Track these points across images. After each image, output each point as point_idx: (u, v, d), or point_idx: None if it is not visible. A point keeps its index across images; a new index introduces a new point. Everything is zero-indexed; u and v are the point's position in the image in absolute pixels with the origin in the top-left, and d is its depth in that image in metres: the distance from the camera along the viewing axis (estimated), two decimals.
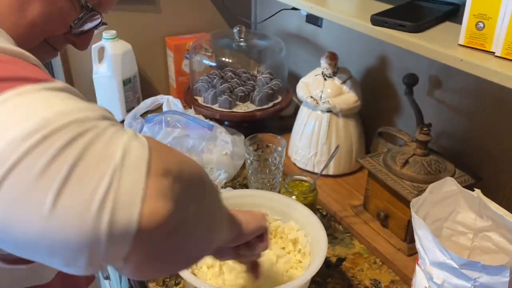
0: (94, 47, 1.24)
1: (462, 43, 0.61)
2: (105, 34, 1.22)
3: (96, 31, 0.54)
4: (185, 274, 0.62)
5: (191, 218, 0.33)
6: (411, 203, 0.60)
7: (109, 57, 1.23)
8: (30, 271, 0.48)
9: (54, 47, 0.51)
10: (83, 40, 0.52)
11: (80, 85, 1.32)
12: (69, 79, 1.31)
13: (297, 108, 1.16)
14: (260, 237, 0.56)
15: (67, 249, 0.27)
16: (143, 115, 1.27)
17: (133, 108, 1.28)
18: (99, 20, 0.52)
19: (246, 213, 0.53)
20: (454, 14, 0.74)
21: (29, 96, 0.30)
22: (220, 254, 0.56)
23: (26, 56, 0.36)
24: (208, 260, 0.69)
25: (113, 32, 1.23)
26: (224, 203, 0.43)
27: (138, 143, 0.30)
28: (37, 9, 0.45)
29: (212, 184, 0.38)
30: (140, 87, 1.35)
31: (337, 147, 0.88)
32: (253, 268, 0.61)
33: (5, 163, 0.27)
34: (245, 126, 1.19)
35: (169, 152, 0.33)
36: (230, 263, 0.69)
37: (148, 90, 1.40)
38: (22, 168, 0.27)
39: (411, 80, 0.87)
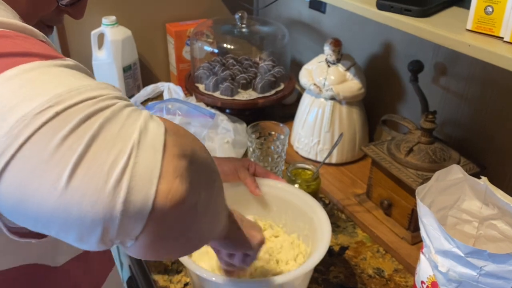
0: (94, 33, 1.22)
1: (469, 28, 0.59)
2: (105, 20, 1.20)
3: None
4: (186, 260, 0.61)
5: (201, 203, 0.33)
6: (416, 191, 0.59)
7: (108, 44, 1.21)
8: (41, 250, 0.47)
9: (50, 24, 0.50)
10: (76, 8, 0.50)
11: None
12: None
13: (299, 96, 1.14)
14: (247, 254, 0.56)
15: (81, 224, 0.28)
16: (144, 102, 1.26)
17: (133, 95, 1.27)
18: None
19: (247, 227, 0.53)
20: None
21: (40, 71, 0.30)
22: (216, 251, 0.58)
23: (35, 32, 0.35)
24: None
25: (113, 18, 1.21)
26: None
27: (155, 124, 0.30)
28: None
29: (219, 175, 0.38)
30: (140, 74, 1.33)
31: (340, 135, 0.87)
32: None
33: (18, 137, 0.27)
34: (247, 114, 1.18)
35: (184, 134, 0.33)
36: None
37: (148, 77, 1.38)
38: (36, 142, 0.27)
39: (416, 67, 0.85)
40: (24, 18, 0.45)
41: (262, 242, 0.55)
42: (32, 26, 0.46)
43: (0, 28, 0.33)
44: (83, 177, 0.27)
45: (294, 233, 0.77)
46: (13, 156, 0.27)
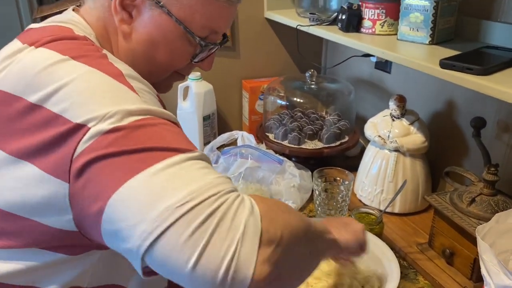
0: (180, 86, 1.39)
1: None
2: (191, 75, 1.37)
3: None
4: None
5: (288, 268, 0.44)
6: (476, 229, 0.63)
7: (192, 95, 1.37)
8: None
9: (182, 73, 0.63)
10: (206, 63, 0.63)
11: None
12: None
13: (363, 149, 1.21)
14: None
15: None
16: (219, 148, 1.39)
17: (209, 141, 1.41)
18: (216, 47, 0.62)
19: (348, 232, 0.62)
20: None
21: (179, 166, 0.42)
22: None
23: (172, 117, 0.48)
24: None
25: (198, 73, 1.38)
26: (325, 235, 0.54)
27: (254, 219, 0.41)
28: (163, 54, 0.58)
29: (311, 230, 0.49)
30: (217, 123, 1.48)
31: (404, 182, 0.92)
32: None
33: (165, 221, 0.39)
34: (311, 163, 1.26)
35: (275, 218, 0.44)
36: None
37: (223, 126, 1.53)
38: (176, 229, 0.38)
39: (478, 124, 0.90)
40: (163, 71, 0.59)
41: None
42: (168, 75, 0.60)
43: (151, 115, 0.45)
44: (205, 260, 0.38)
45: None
46: (160, 235, 0.38)
